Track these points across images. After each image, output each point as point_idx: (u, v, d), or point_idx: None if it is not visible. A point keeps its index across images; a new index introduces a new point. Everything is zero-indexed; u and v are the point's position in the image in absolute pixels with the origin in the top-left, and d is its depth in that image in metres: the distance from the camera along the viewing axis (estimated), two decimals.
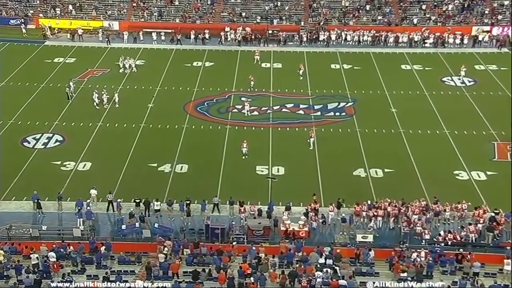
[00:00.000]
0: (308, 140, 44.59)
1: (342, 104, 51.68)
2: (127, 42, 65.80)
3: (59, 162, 42.10)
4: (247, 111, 49.65)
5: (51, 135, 46.02)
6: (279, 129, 47.51)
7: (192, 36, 66.45)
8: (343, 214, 35.99)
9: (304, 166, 42.15)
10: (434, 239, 34.17)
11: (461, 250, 32.63)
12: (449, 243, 33.81)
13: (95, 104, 50.08)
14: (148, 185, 39.46)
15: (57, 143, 44.94)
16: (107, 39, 65.31)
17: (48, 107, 50.31)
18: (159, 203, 36.84)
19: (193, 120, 48.56)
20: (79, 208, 35.94)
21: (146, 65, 60.52)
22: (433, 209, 36.13)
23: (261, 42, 66.22)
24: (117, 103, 50.35)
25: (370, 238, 34.29)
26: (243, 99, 52.57)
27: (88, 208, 36.18)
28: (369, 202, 36.70)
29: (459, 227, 35.29)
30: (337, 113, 50.22)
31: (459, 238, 34.12)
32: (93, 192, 37.62)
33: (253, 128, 47.68)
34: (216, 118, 49.09)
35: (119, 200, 36.97)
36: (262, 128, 47.62)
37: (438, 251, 32.69)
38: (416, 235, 34.59)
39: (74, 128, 46.99)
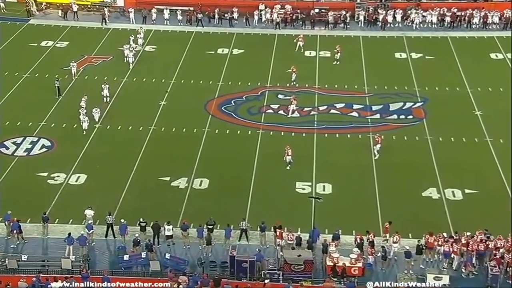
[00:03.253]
0: (374, 147, 44.83)
1: (408, 105, 51.61)
2: (134, 22, 66.93)
3: (45, 174, 42.92)
4: (291, 111, 49.97)
5: (35, 139, 46.96)
6: (325, 135, 47.70)
7: (217, 16, 67.22)
8: (407, 247, 35.86)
9: (357, 183, 42.17)
10: None
11: None
12: None
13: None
14: (158, 205, 39.95)
15: (44, 149, 45.84)
16: (102, 19, 66.42)
17: (32, 104, 51.43)
18: (171, 227, 37.17)
19: (217, 123, 49.12)
20: (69, 233, 36.54)
21: (158, 52, 61.41)
22: None
23: (305, 24, 66.58)
24: (107, 97, 51.38)
25: (445, 280, 33.98)
26: (280, 96, 52.91)
27: (82, 233, 36.76)
28: (445, 233, 36.45)
29: None
30: (402, 116, 50.16)
31: None
32: (89, 212, 38.13)
33: (293, 134, 47.91)
34: (245, 121, 49.58)
35: (122, 220, 37.44)
36: (304, 134, 47.84)
37: None
38: (510, 278, 34.26)
39: (65, 130, 47.87)
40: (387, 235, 36.54)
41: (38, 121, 48.87)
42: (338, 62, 57.90)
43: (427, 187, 41.54)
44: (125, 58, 57.79)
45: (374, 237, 36.23)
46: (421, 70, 57.17)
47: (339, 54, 58.03)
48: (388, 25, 65.61)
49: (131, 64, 57.30)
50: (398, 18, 66.00)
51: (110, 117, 49.69)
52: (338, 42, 62.13)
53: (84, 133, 46.72)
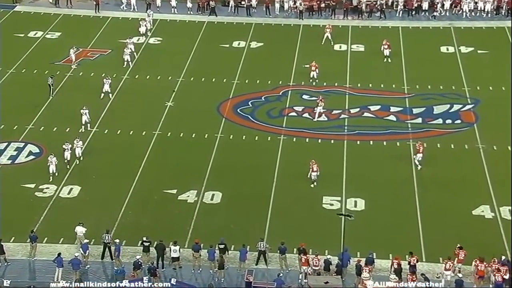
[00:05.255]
0: (414, 156, 44.94)
1: (456, 107, 51.66)
2: (136, 9, 67.49)
3: (33, 185, 43.33)
4: (317, 114, 50.14)
5: (21, 144, 47.50)
6: (358, 142, 47.82)
7: (232, 3, 67.65)
8: (460, 275, 35.75)
9: (395, 198, 42.23)
10: None
11: None
12: None
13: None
14: (163, 221, 40.23)
15: (31, 157, 46.34)
16: (96, 4, 67.01)
17: (18, 104, 51.98)
18: (178, 247, 37.27)
19: (231, 127, 49.45)
20: (58, 253, 36.67)
21: (164, 44, 61.96)
22: None
23: (334, 12, 66.76)
24: (109, 93, 51.92)
25: None
26: (305, 96, 53.14)
27: (76, 254, 36.93)
28: (503, 257, 36.31)
29: None
30: (448, 120, 50.20)
31: None
32: (80, 230, 38.39)
33: (319, 141, 48.08)
34: (264, 125, 49.85)
35: (116, 241, 37.67)
36: (332, 141, 47.99)
37: None
38: None
39: (57, 135, 48.28)
40: (458, 263, 36.05)
41: (24, 124, 49.44)
42: (390, 60, 57.71)
43: (479, 204, 41.49)
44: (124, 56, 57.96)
45: (417, 261, 36.19)
46: (472, 66, 57.25)
47: (388, 50, 57.84)
48: (433, 13, 65.55)
49: (128, 63, 57.48)
50: (447, 5, 66.05)
51: (108, 120, 50.14)
52: (373, 34, 62.38)
53: (51, 179, 43.84)
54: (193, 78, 56.01)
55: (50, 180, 43.32)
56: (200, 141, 47.79)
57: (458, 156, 46.19)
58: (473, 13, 65.81)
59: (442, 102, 52.26)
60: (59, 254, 36.55)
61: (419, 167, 44.44)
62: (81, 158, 45.17)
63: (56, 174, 43.56)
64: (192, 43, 61.47)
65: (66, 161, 44.52)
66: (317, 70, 54.82)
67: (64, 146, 44.55)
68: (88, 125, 48.61)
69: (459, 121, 50.10)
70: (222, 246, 37.11)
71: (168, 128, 49.16)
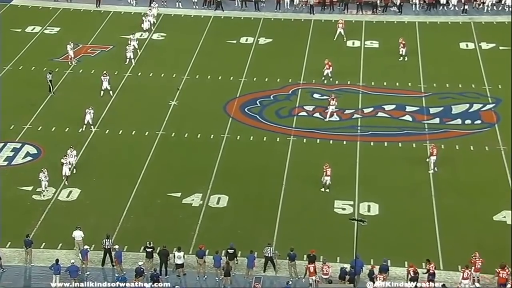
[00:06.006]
0: (427, 160, 44.92)
1: (476, 107, 51.70)
2: (135, 3, 67.88)
3: (30, 188, 43.48)
4: (329, 114, 50.23)
5: (18, 145, 47.72)
6: (371, 143, 47.97)
7: None
8: (478, 284, 35.83)
9: (410, 203, 42.28)
10: None
11: None
12: None
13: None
14: (167, 226, 40.40)
15: (29, 158, 46.55)
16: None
17: (15, 102, 52.17)
18: (182, 253, 37.37)
19: (239, 127, 49.63)
20: (56, 259, 36.80)
21: (168, 40, 62.20)
22: None
23: (347, 7, 66.95)
24: (109, 91, 52.20)
25: None
26: (316, 95, 53.31)
27: (73, 261, 36.94)
28: None
29: None
30: (468, 121, 50.24)
31: None
32: (77, 234, 38.49)
33: (331, 142, 48.18)
34: (273, 125, 49.98)
35: (116, 246, 37.78)
36: (345, 142, 48.11)
37: None
38: None
39: (55, 135, 48.63)
40: (476, 272, 35.93)
41: (21, 123, 49.69)
42: (406, 59, 57.74)
43: (500, 209, 41.48)
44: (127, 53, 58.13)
45: (435, 268, 36.18)
46: (493, 64, 57.25)
47: (404, 48, 57.88)
48: (452, 7, 65.64)
49: (130, 60, 57.65)
50: None
51: (109, 119, 50.35)
52: (388, 29, 62.38)
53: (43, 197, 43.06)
54: (198, 75, 56.18)
55: (43, 197, 42.64)
56: (206, 142, 47.94)
57: (478, 158, 46.19)
58: (495, 7, 65.84)
59: (461, 102, 52.29)
60: (57, 261, 36.69)
61: (434, 169, 44.41)
62: (75, 171, 44.63)
63: (47, 190, 43.00)
64: (198, 39, 61.67)
65: (64, 177, 43.93)
66: (331, 68, 54.86)
67: (62, 160, 43.98)
68: (92, 126, 48.82)
69: (479, 122, 50.11)
70: (231, 251, 37.18)
71: (172, 128, 49.31)
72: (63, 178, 43.88)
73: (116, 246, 37.88)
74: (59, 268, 36.50)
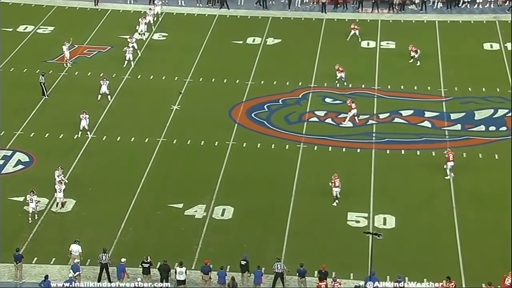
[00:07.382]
0: (444, 166, 44.69)
1: (501, 112, 51.53)
2: (137, 1, 67.78)
3: (21, 198, 43.18)
4: (348, 118, 50.00)
5: (9, 152, 47.50)
6: (387, 151, 47.73)
7: None
8: None
9: (429, 215, 41.98)
10: None
11: None
12: None
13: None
14: (168, 239, 40.13)
15: (20, 166, 46.36)
16: None
17: (5, 107, 51.94)
18: (184, 269, 36.97)
19: (245, 133, 49.47)
20: (46, 275, 36.27)
21: (170, 41, 62.18)
22: None
23: (361, 5, 66.85)
24: (107, 95, 52.06)
25: None
26: (328, 100, 53.04)
27: (70, 276, 36.75)
28: None
29: None
30: (492, 127, 50.02)
31: None
32: (75, 248, 38.13)
33: (344, 150, 47.98)
34: (282, 132, 49.79)
35: (123, 260, 37.29)
36: (358, 150, 47.91)
37: None
38: None
39: (49, 142, 48.46)
40: None
41: (12, 129, 49.55)
42: (418, 63, 57.38)
43: None
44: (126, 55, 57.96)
45: (455, 286, 35.73)
46: None
47: (417, 53, 57.51)
48: (475, 5, 65.39)
49: (130, 62, 57.48)
50: None
51: (107, 125, 50.20)
52: (406, 29, 62.15)
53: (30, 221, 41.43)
54: (202, 78, 56.15)
55: (29, 222, 41.16)
56: (210, 149, 47.78)
57: (503, 167, 45.75)
58: None
59: (484, 107, 52.20)
60: (46, 277, 36.25)
61: (451, 175, 44.14)
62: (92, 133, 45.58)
63: (35, 217, 41.81)
64: (201, 39, 61.69)
65: (58, 204, 42.68)
66: (343, 72, 54.51)
67: (56, 187, 42.69)
68: (88, 132, 48.61)
69: (504, 128, 49.93)
70: (244, 263, 36.96)
71: (174, 135, 49.18)
72: (57, 205, 42.60)
73: (123, 259, 37.24)
74: (50, 285, 35.94)
